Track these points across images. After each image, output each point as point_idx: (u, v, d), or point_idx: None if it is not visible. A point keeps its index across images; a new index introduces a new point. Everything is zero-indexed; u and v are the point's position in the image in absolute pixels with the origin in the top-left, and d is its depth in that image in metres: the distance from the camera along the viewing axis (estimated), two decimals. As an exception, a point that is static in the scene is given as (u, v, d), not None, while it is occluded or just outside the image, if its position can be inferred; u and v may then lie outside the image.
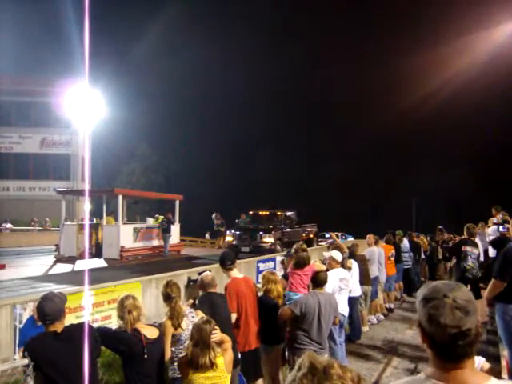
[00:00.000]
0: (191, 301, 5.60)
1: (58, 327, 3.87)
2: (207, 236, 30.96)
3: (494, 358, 7.06)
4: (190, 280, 5.91)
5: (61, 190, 22.57)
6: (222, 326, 4.80)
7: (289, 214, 23.01)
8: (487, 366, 3.22)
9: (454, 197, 48.63)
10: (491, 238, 9.55)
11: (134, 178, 45.25)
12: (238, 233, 20.54)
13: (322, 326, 5.49)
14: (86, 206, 17.44)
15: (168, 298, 5.03)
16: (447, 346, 1.75)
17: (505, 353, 6.31)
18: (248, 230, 20.75)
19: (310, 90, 67.42)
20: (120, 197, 19.76)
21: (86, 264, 16.65)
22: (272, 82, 63.33)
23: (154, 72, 54.06)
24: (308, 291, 6.08)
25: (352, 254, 9.57)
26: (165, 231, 20.74)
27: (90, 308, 7.74)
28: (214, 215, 27.28)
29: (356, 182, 55.19)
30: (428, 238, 16.00)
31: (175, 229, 22.13)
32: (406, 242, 13.57)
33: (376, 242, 11.16)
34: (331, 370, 1.35)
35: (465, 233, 9.11)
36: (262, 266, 13.00)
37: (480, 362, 3.16)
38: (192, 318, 5.01)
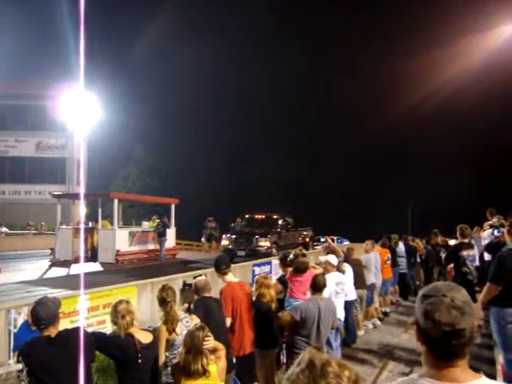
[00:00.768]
0: (186, 305, 5.59)
1: (52, 332, 3.87)
2: (203, 239, 30.93)
3: (488, 362, 7.08)
4: (185, 284, 5.89)
5: (56, 193, 22.52)
6: (216, 330, 4.80)
7: (285, 217, 23.01)
8: None
9: (450, 200, 48.66)
10: (486, 241, 9.55)
11: (130, 181, 45.17)
12: (233, 236, 20.54)
13: (321, 332, 5.50)
14: (82, 209, 17.41)
15: (163, 302, 5.01)
16: (440, 343, 1.78)
17: (500, 357, 6.31)
18: (244, 233, 20.75)
19: (305, 92, 67.39)
20: (116, 200, 19.73)
21: (82, 268, 16.61)
22: (268, 83, 63.38)
23: (150, 75, 54.17)
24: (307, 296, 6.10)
25: (347, 258, 9.57)
26: (160, 235, 20.70)
27: (85, 312, 7.71)
28: (209, 219, 27.31)
29: (352, 185, 55.25)
30: (424, 242, 16.02)
31: (171, 232, 22.09)
32: (401, 246, 13.58)
33: (372, 246, 11.16)
34: (328, 368, 1.35)
35: (457, 234, 9.10)
36: (257, 269, 12.98)
37: None
38: (186, 322, 4.99)
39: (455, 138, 51.60)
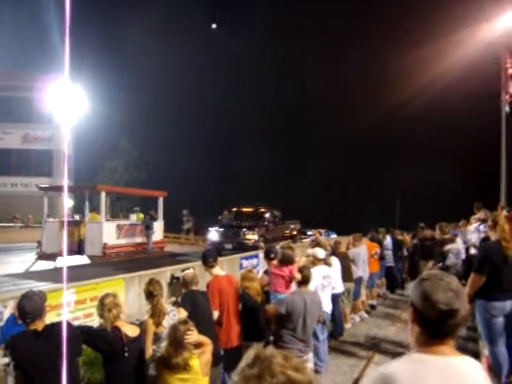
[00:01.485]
0: (174, 298, 5.60)
1: (39, 325, 3.88)
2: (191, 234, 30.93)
3: (473, 355, 7.13)
4: (172, 277, 5.90)
5: (43, 186, 22.34)
6: (203, 323, 4.82)
7: (272, 210, 23.04)
8: None
9: (438, 195, 49.02)
10: (473, 235, 9.65)
11: (117, 174, 44.87)
12: (220, 230, 20.52)
13: (307, 325, 5.48)
14: (66, 202, 17.29)
15: (150, 295, 5.03)
16: (436, 322, 1.93)
17: (484, 350, 6.37)
18: (231, 226, 20.75)
19: (292, 85, 67.36)
20: (103, 193, 19.61)
21: (67, 261, 16.50)
22: (255, 76, 63.18)
23: (136, 67, 53.69)
24: (291, 290, 6.11)
25: (334, 251, 9.60)
26: (148, 228, 20.66)
27: (72, 306, 7.68)
28: (184, 212, 27.41)
29: (340, 179, 55.38)
30: (410, 236, 16.10)
31: (158, 225, 22.03)
32: (388, 240, 13.64)
33: (360, 240, 11.19)
34: (273, 359, 1.39)
35: (438, 231, 9.17)
36: (245, 262, 13.00)
37: None
38: (173, 316, 5.00)
39: (444, 133, 51.87)
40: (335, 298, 8.44)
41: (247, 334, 5.99)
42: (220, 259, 6.81)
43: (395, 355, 7.94)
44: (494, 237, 6.16)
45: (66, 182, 21.22)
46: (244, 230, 19.97)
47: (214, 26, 56.19)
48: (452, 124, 49.47)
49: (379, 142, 56.63)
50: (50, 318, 4.54)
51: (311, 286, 6.11)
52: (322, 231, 31.38)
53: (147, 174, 45.34)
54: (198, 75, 56.62)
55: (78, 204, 23.38)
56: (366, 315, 10.91)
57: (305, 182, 55.29)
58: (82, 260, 17.57)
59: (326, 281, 7.50)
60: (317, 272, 7.11)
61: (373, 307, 11.77)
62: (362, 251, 10.96)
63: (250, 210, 22.88)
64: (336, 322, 9.05)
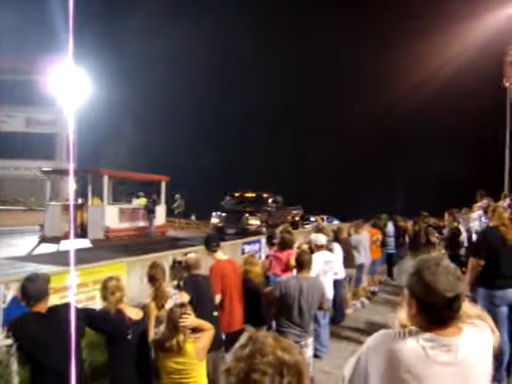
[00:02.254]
0: (175, 282, 5.62)
1: (42, 308, 3.88)
2: (193, 217, 30.96)
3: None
4: (174, 261, 5.93)
5: (46, 169, 22.35)
6: (205, 307, 4.85)
7: (274, 196, 23.05)
8: None
9: (440, 182, 48.86)
10: (476, 222, 9.64)
11: (120, 158, 44.78)
12: (223, 215, 20.55)
13: (303, 310, 5.41)
14: (71, 185, 17.30)
15: (152, 279, 5.07)
16: (442, 309, 1.96)
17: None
18: (234, 211, 20.77)
19: (297, 68, 66.88)
20: (105, 177, 19.63)
21: (71, 244, 16.54)
22: (260, 57, 62.68)
23: (140, 50, 53.35)
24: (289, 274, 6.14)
25: (336, 237, 9.61)
26: (150, 212, 20.69)
27: (75, 289, 7.70)
28: (177, 195, 27.50)
29: (342, 165, 55.15)
30: (411, 223, 16.11)
31: (161, 210, 22.07)
32: (390, 226, 13.65)
33: (362, 226, 11.19)
34: (265, 340, 1.45)
35: (450, 218, 9.15)
36: (247, 248, 12.98)
37: None
38: (176, 299, 5.04)
39: (447, 120, 51.51)
40: (337, 284, 8.45)
41: (249, 318, 6.02)
42: (222, 244, 6.82)
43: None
44: (492, 224, 6.16)
45: (71, 166, 21.13)
46: (246, 215, 20.00)
47: None
48: (456, 111, 49.15)
49: (382, 128, 56.31)
50: (53, 301, 4.55)
51: (312, 272, 6.10)
52: (325, 217, 31.40)
53: (151, 158, 45.17)
54: (204, 57, 56.30)
55: (80, 188, 23.30)
56: (366, 301, 10.93)
57: (307, 168, 55.14)
58: (85, 243, 17.62)
59: (328, 266, 7.52)
60: (318, 257, 7.13)
61: (374, 293, 11.80)
62: (364, 238, 10.95)
63: (253, 195, 22.89)
64: (337, 307, 9.08)
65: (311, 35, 65.63)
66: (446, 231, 10.57)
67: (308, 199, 34.62)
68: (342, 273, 8.89)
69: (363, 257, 10.72)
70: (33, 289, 3.86)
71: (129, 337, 4.26)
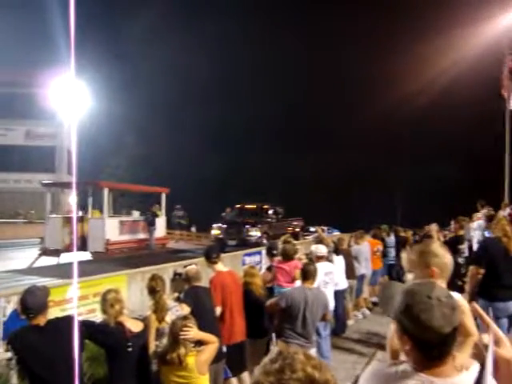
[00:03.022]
0: (176, 294, 5.60)
1: (41, 320, 3.85)
2: (193, 229, 30.92)
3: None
4: (175, 273, 5.90)
5: (46, 182, 22.36)
6: (206, 319, 4.82)
7: (275, 207, 23.04)
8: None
9: (440, 192, 48.84)
10: (476, 232, 9.61)
11: (121, 170, 44.72)
12: (224, 226, 20.52)
13: (307, 321, 5.44)
14: (73, 198, 17.32)
15: (152, 291, 5.05)
16: (439, 345, 1.78)
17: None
18: (234, 223, 20.74)
19: (297, 78, 66.84)
20: (106, 190, 19.62)
21: (72, 257, 16.52)
22: (260, 68, 62.84)
23: (141, 63, 53.60)
24: (294, 285, 6.11)
25: (337, 248, 9.59)
26: (150, 224, 20.65)
27: (75, 301, 7.67)
28: (176, 207, 27.45)
29: (343, 175, 55.06)
30: (412, 233, 16.07)
31: (161, 222, 22.03)
32: (392, 237, 13.61)
33: (362, 237, 11.18)
34: (295, 356, 1.41)
35: (456, 226, 9.12)
36: (248, 259, 12.95)
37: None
38: (176, 311, 5.03)
39: (447, 130, 51.46)
40: (338, 295, 8.43)
41: (250, 330, 6.00)
42: (222, 255, 6.81)
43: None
44: (494, 234, 6.16)
45: (74, 178, 21.20)
46: (247, 226, 19.98)
47: None
48: (456, 121, 49.12)
49: (382, 137, 56.28)
50: (53, 314, 4.55)
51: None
52: (325, 228, 31.33)
53: (151, 170, 45.05)
54: (205, 69, 56.40)
55: (80, 201, 23.29)
56: (368, 312, 10.90)
57: (307, 178, 54.98)
58: (85, 256, 17.58)
59: (328, 277, 7.49)
60: (319, 268, 7.10)
61: (375, 304, 11.75)
62: (365, 248, 10.95)
63: (254, 206, 22.89)
64: (338, 318, 9.05)
65: (311, 46, 65.75)
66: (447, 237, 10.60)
67: (308, 210, 34.63)
68: (342, 284, 8.88)
69: (364, 267, 10.70)
70: (32, 302, 3.83)
71: (129, 349, 4.22)
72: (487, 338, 1.81)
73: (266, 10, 65.76)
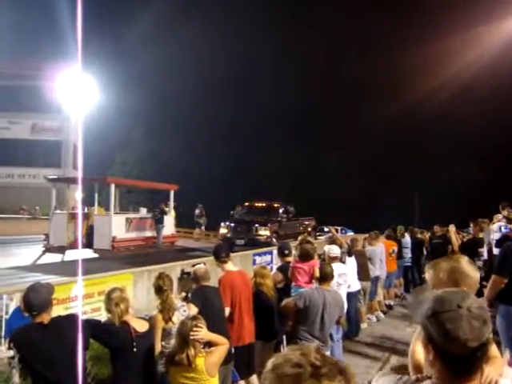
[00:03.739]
0: (184, 294, 5.51)
1: (45, 318, 3.79)
2: (202, 228, 30.75)
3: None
4: (183, 272, 5.82)
5: (51, 177, 22.27)
6: (214, 320, 4.71)
7: (286, 206, 22.76)
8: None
9: (459, 193, 48.41)
10: (496, 234, 9.39)
11: (128, 167, 44.55)
12: (232, 225, 20.29)
13: (325, 323, 5.35)
14: (79, 194, 17.23)
15: (159, 290, 4.95)
16: (465, 360, 1.64)
17: (507, 354, 6.11)
18: (243, 222, 20.51)
19: (312, 75, 66.22)
20: (112, 186, 19.50)
21: (77, 254, 16.38)
22: (275, 63, 62.37)
23: (149, 56, 53.27)
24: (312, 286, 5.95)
25: (350, 249, 9.39)
26: (158, 222, 20.49)
27: (80, 299, 7.55)
28: (199, 206, 27.24)
29: (357, 175, 54.64)
30: (429, 234, 15.81)
31: (169, 220, 21.84)
32: (407, 238, 13.41)
33: (377, 238, 10.98)
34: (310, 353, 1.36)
35: (476, 228, 8.97)
36: (258, 259, 12.80)
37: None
38: (184, 311, 4.94)
39: (467, 129, 50.96)
40: (351, 297, 8.27)
41: (261, 331, 5.89)
42: (232, 255, 6.67)
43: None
44: None
45: (80, 174, 21.07)
46: (256, 225, 19.74)
47: None
48: (476, 120, 48.60)
49: (398, 136, 55.76)
50: (57, 312, 4.43)
51: (329, 285, 5.93)
52: (339, 228, 31.02)
53: (160, 167, 44.74)
54: (215, 62, 56.22)
55: (86, 197, 23.21)
56: (382, 315, 10.73)
57: (321, 177, 54.57)
58: (90, 253, 17.46)
59: (342, 279, 7.33)
60: (333, 270, 6.93)
61: (390, 307, 11.56)
62: (379, 250, 10.79)
63: (263, 205, 22.68)
64: (351, 321, 8.86)
65: (328, 45, 65.17)
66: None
67: (321, 209, 34.36)
68: (355, 285, 8.71)
69: (378, 269, 10.54)
70: (36, 299, 3.77)
71: (134, 349, 4.13)
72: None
73: (273, 6, 65.40)
